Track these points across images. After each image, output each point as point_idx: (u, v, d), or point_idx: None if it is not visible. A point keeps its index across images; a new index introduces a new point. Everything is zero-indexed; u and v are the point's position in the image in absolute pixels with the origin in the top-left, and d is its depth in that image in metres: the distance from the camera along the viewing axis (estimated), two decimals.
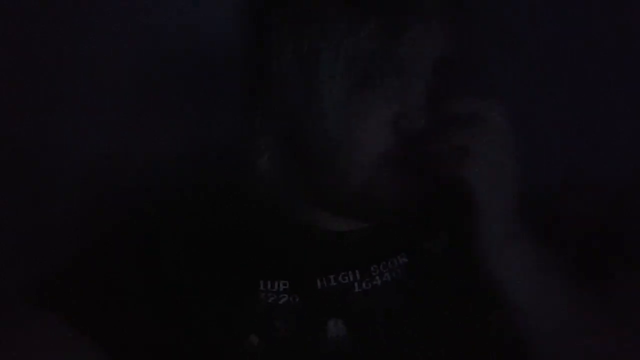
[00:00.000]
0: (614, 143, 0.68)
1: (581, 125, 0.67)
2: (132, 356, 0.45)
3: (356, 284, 0.47)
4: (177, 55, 0.64)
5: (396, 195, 0.43)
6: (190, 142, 0.63)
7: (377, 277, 0.47)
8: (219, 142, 0.53)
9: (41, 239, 0.61)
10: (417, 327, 0.47)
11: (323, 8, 0.41)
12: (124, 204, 0.54)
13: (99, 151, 0.62)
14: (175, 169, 0.61)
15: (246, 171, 0.47)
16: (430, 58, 0.42)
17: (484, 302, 0.48)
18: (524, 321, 0.44)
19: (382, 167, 0.42)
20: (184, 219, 0.49)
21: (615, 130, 0.68)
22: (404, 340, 0.46)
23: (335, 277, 0.46)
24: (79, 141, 0.62)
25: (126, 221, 0.50)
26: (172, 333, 0.45)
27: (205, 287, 0.46)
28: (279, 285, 0.46)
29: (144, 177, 0.61)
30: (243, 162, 0.47)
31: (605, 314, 0.46)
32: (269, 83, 0.44)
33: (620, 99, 0.69)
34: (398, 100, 0.42)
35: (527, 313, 0.43)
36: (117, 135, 0.63)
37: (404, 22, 0.41)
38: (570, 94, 0.68)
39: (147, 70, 0.63)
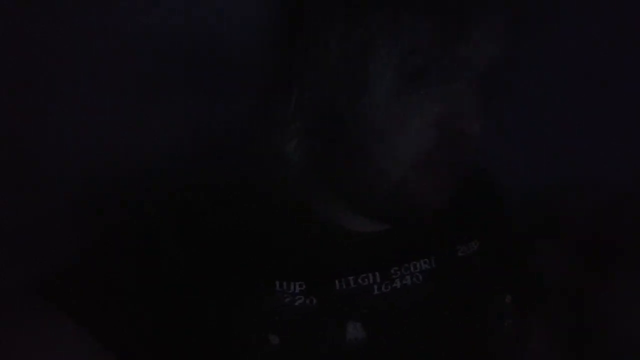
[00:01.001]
0: (612, 146, 0.69)
1: (580, 128, 0.68)
2: (140, 356, 0.44)
3: (375, 286, 0.46)
4: (191, 44, 0.62)
5: (430, 197, 0.43)
6: (207, 134, 0.62)
7: (397, 280, 0.47)
8: (240, 132, 0.52)
9: (42, 237, 0.59)
10: (434, 331, 0.47)
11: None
12: (133, 200, 0.53)
13: (105, 146, 0.61)
14: (191, 164, 0.60)
15: (270, 162, 0.47)
16: (487, 59, 0.41)
17: (502, 311, 0.49)
18: None
19: (420, 167, 0.42)
20: (199, 215, 0.47)
21: (612, 133, 0.69)
22: (422, 345, 0.46)
23: (354, 278, 0.46)
24: (81, 138, 0.61)
25: (135, 218, 0.49)
26: (187, 333, 0.44)
27: (220, 286, 0.45)
28: (294, 287, 0.45)
29: (156, 174, 0.60)
30: (268, 153, 0.46)
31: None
32: (310, 70, 0.43)
33: (618, 103, 0.70)
34: (449, 100, 0.41)
35: None
36: (122, 129, 0.61)
37: (467, 22, 0.40)
38: (570, 97, 0.69)
39: (157, 60, 0.62)
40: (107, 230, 0.50)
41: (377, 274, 0.46)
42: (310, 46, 0.42)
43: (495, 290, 0.50)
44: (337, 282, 0.45)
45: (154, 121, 0.63)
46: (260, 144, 0.47)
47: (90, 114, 0.61)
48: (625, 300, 0.58)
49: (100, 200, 0.61)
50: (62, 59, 0.59)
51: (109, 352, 0.43)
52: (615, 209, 0.65)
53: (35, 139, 0.59)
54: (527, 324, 0.52)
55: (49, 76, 0.59)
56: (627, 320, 0.56)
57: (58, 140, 0.60)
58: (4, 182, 0.58)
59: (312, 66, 0.42)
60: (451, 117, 0.41)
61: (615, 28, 0.70)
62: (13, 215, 0.58)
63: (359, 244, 0.48)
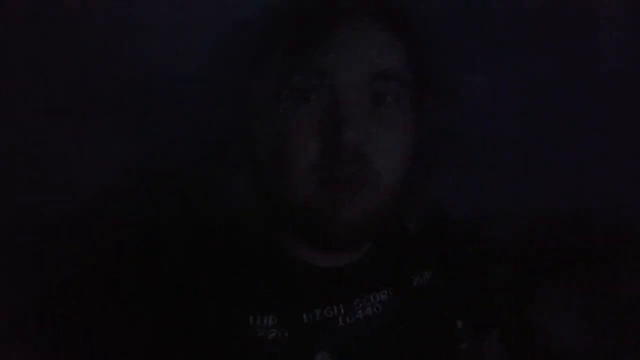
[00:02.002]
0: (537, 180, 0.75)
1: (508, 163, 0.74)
2: None
3: (340, 318, 0.49)
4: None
5: (342, 214, 0.45)
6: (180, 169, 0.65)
7: (360, 311, 0.50)
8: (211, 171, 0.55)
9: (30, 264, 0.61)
10: (396, 357, 0.50)
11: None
12: (111, 231, 0.55)
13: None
14: (157, 200, 0.63)
15: (236, 205, 0.49)
16: (361, 71, 0.45)
17: (455, 335, 0.53)
18: None
19: (320, 182, 0.45)
20: (175, 249, 0.50)
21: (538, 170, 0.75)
22: None
23: (320, 311, 0.49)
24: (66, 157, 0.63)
25: (113, 250, 0.52)
26: None
27: (196, 321, 0.47)
28: (267, 320, 0.48)
29: (134, 203, 0.63)
30: (233, 195, 0.49)
31: None
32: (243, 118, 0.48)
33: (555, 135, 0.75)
34: (328, 111, 0.44)
35: None
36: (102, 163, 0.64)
37: (318, 35, 0.44)
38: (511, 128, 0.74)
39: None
40: (83, 261, 0.52)
41: (341, 306, 0.50)
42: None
43: (447, 316, 0.54)
44: (304, 315, 0.49)
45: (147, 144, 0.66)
46: (219, 185, 0.50)
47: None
48: (554, 310, 0.64)
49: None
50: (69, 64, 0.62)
51: None
52: (538, 231, 0.71)
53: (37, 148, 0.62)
54: (482, 347, 0.57)
55: (57, 79, 0.62)
56: (557, 329, 0.62)
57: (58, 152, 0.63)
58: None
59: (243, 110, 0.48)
60: (331, 127, 0.44)
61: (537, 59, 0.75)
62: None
63: (322, 278, 0.51)
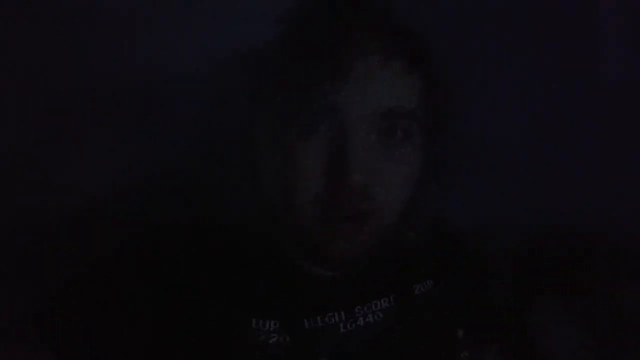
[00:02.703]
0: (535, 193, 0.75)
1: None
2: None
3: (341, 325, 0.50)
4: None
5: (341, 249, 0.46)
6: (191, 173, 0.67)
7: (361, 318, 0.51)
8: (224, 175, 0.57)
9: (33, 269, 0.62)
10: None
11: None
12: (116, 235, 0.56)
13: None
14: (171, 202, 0.64)
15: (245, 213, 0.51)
16: (376, 109, 0.45)
17: (456, 344, 0.53)
18: None
19: (320, 218, 0.46)
20: (180, 253, 0.51)
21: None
22: None
23: (322, 317, 0.50)
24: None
25: (117, 253, 0.52)
26: None
27: (199, 323, 0.48)
28: (269, 325, 0.48)
29: (137, 206, 0.64)
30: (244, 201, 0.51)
31: None
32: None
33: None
34: (336, 154, 0.44)
35: None
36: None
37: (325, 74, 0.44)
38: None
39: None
40: (88, 264, 0.52)
41: (342, 313, 0.50)
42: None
43: (448, 325, 0.54)
44: (306, 321, 0.49)
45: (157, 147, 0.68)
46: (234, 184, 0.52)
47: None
48: (554, 322, 0.64)
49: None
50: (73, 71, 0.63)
51: None
52: (539, 242, 0.71)
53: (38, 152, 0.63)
54: (485, 355, 0.57)
55: (60, 83, 0.63)
56: (557, 341, 0.62)
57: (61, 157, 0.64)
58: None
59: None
60: (337, 166, 0.44)
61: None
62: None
63: (324, 285, 0.52)
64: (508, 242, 0.71)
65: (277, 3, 0.48)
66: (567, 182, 0.73)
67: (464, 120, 0.51)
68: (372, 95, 0.45)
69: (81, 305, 0.49)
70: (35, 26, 0.63)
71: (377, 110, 0.45)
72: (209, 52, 0.61)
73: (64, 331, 0.48)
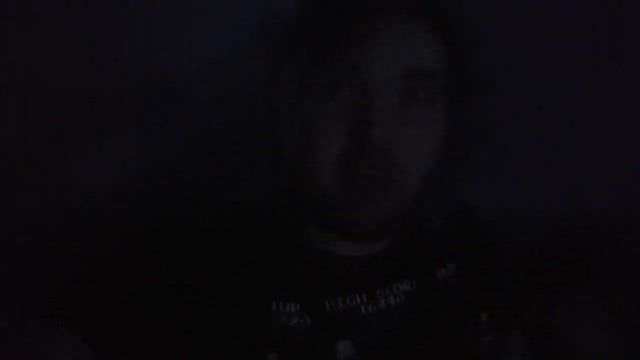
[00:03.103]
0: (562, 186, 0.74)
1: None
2: None
3: (363, 307, 0.50)
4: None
5: (361, 212, 0.46)
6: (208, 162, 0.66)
7: (382, 301, 0.50)
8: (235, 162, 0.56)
9: (47, 252, 0.62)
10: (418, 348, 0.50)
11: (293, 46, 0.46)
12: (139, 218, 0.56)
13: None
14: (193, 187, 0.64)
15: (265, 195, 0.50)
16: (393, 73, 0.44)
17: (479, 328, 0.52)
18: None
19: (341, 178, 0.45)
20: (202, 238, 0.51)
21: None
22: None
23: (343, 300, 0.49)
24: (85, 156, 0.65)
25: (137, 237, 0.52)
26: (188, 352, 0.47)
27: (221, 307, 0.48)
28: (290, 307, 0.48)
29: (159, 194, 0.64)
30: (262, 186, 0.50)
31: None
32: (268, 117, 0.49)
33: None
34: (358, 111, 0.44)
35: None
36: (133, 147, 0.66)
37: (347, 34, 0.44)
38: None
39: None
40: (108, 250, 0.52)
41: (364, 295, 0.50)
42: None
43: (471, 309, 0.53)
44: (327, 303, 0.49)
45: (172, 136, 0.68)
46: (252, 172, 0.51)
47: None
48: (578, 316, 0.63)
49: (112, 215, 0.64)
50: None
51: None
52: (565, 234, 0.70)
53: (43, 149, 0.63)
54: (509, 341, 0.56)
55: (63, 82, 0.63)
56: (581, 336, 0.61)
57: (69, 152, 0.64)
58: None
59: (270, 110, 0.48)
60: (360, 124, 0.44)
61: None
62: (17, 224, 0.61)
63: (346, 267, 0.51)
64: (533, 231, 0.69)
65: None
66: (599, 173, 0.72)
67: (489, 91, 0.51)
68: (395, 55, 0.44)
69: (111, 288, 0.48)
70: (39, 23, 0.63)
71: (399, 71, 0.45)
72: (228, 15, 0.60)
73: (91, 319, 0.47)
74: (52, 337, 0.45)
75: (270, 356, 0.47)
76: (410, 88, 0.45)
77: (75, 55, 0.64)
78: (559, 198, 0.73)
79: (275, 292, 0.49)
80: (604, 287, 0.66)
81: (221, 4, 0.64)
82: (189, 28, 0.65)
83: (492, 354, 0.53)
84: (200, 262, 0.49)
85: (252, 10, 0.51)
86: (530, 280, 0.61)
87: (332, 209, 0.47)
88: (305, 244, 0.52)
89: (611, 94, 0.73)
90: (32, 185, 0.63)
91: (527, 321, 0.58)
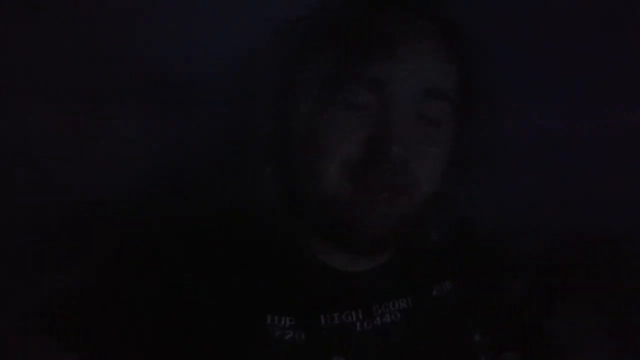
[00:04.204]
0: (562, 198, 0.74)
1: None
2: None
3: (358, 324, 0.49)
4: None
5: (366, 216, 0.46)
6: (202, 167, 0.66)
7: (378, 318, 0.50)
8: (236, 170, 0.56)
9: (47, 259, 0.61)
10: None
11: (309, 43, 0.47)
12: (128, 226, 0.56)
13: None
14: (194, 188, 0.63)
15: (256, 198, 0.50)
16: (415, 87, 0.46)
17: (474, 349, 0.52)
18: None
19: (352, 182, 0.46)
20: (201, 240, 0.50)
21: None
22: None
23: (339, 315, 0.49)
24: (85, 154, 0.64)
25: (134, 249, 0.51)
26: None
27: (214, 318, 0.47)
28: (285, 321, 0.48)
29: (151, 200, 0.63)
30: (262, 190, 0.50)
31: None
32: (272, 117, 0.49)
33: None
34: (380, 125, 0.45)
35: None
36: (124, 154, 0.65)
37: (371, 47, 0.45)
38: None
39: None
40: (102, 260, 0.52)
41: (359, 311, 0.50)
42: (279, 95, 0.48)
43: (465, 329, 0.53)
44: (322, 317, 0.49)
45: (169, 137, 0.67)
46: (250, 177, 0.51)
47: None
48: (575, 331, 0.63)
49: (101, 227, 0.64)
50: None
51: None
52: (563, 247, 0.70)
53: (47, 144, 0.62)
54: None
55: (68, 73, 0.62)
56: (578, 351, 0.61)
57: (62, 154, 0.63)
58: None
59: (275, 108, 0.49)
60: (379, 138, 0.45)
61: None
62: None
63: (342, 282, 0.51)
64: (529, 246, 0.69)
65: None
66: (593, 185, 0.72)
67: (494, 112, 0.52)
68: (415, 73, 0.46)
69: (102, 298, 0.48)
70: (62, 10, 0.62)
71: (418, 89, 0.46)
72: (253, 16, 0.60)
73: (87, 326, 0.47)
74: (50, 351, 0.46)
75: None
76: (427, 105, 0.47)
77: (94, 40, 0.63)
78: (560, 211, 0.73)
79: (271, 305, 0.48)
80: (604, 301, 0.66)
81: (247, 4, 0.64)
82: (207, 26, 0.65)
83: None
84: (197, 266, 0.49)
85: (276, 11, 0.51)
86: (528, 295, 0.61)
87: (338, 217, 0.47)
88: (304, 256, 0.51)
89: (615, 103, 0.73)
90: (33, 182, 0.63)
91: (524, 338, 0.58)
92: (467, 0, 0.51)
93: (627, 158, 0.73)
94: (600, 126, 0.72)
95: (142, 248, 0.50)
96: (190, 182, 0.64)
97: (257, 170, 0.50)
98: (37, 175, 0.63)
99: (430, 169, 0.48)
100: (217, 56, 0.63)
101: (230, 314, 0.48)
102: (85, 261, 0.53)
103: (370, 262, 0.52)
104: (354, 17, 0.47)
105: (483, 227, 0.62)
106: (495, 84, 0.51)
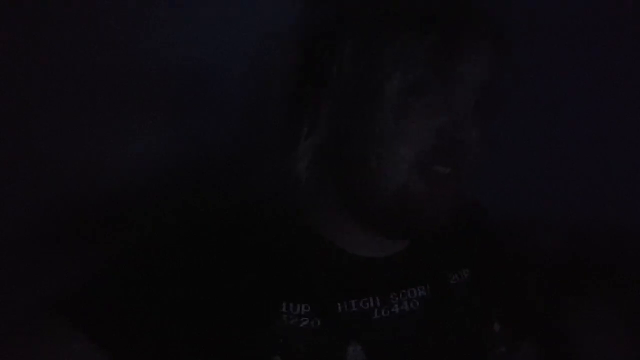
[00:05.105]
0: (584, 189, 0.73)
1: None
2: None
3: (375, 311, 0.48)
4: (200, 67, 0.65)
5: (429, 207, 0.47)
6: (217, 153, 0.65)
7: (396, 306, 0.49)
8: (250, 152, 0.55)
9: (54, 253, 0.61)
10: (430, 356, 0.49)
11: (388, 23, 0.45)
12: (147, 217, 0.55)
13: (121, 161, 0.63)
14: (199, 183, 0.62)
15: (280, 183, 0.49)
16: (480, 76, 0.47)
17: (492, 339, 0.52)
18: None
19: (420, 173, 0.46)
20: (208, 236, 0.50)
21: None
22: None
23: (356, 302, 0.48)
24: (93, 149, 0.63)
25: (149, 235, 0.51)
26: (193, 353, 0.46)
27: (229, 306, 0.47)
28: (300, 308, 0.47)
29: (168, 190, 0.62)
30: (278, 173, 0.49)
31: None
32: (323, 89, 0.47)
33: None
34: (450, 112, 0.46)
35: None
36: (138, 142, 0.64)
37: (458, 42, 0.46)
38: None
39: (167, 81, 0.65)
40: (119, 248, 0.52)
41: (377, 298, 0.49)
42: (324, 68, 0.47)
43: (484, 318, 0.52)
44: (339, 304, 0.48)
45: (183, 128, 0.66)
46: (270, 164, 0.50)
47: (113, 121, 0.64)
48: (592, 323, 0.62)
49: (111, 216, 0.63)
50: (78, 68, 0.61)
51: None
52: (581, 240, 0.69)
53: (55, 145, 0.61)
54: (521, 351, 0.55)
55: (70, 82, 0.61)
56: (595, 343, 0.60)
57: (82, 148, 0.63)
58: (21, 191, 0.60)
59: (325, 87, 0.47)
60: (450, 127, 0.46)
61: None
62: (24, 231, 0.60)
63: (361, 268, 0.50)
64: (549, 237, 0.68)
65: None
66: (614, 181, 0.71)
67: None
68: (478, 70, 0.47)
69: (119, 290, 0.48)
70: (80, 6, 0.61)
71: (479, 83, 0.48)
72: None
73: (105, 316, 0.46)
74: (62, 338, 0.45)
75: (276, 359, 0.45)
76: (481, 98, 0.48)
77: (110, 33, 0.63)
78: (573, 200, 0.72)
79: (286, 292, 0.47)
80: (621, 294, 0.65)
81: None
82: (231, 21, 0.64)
83: None
84: (213, 255, 0.48)
85: None
86: (544, 285, 0.60)
87: (400, 203, 0.47)
88: (319, 243, 0.50)
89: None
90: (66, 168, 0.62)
91: (541, 329, 0.57)
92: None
93: None
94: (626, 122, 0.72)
95: (163, 237, 0.50)
96: (217, 172, 0.63)
97: (290, 162, 0.49)
98: (56, 168, 0.62)
99: (477, 158, 0.48)
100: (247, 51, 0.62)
101: (246, 302, 0.47)
102: (117, 247, 0.53)
103: (390, 249, 0.51)
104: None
105: (499, 217, 0.61)
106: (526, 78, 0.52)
